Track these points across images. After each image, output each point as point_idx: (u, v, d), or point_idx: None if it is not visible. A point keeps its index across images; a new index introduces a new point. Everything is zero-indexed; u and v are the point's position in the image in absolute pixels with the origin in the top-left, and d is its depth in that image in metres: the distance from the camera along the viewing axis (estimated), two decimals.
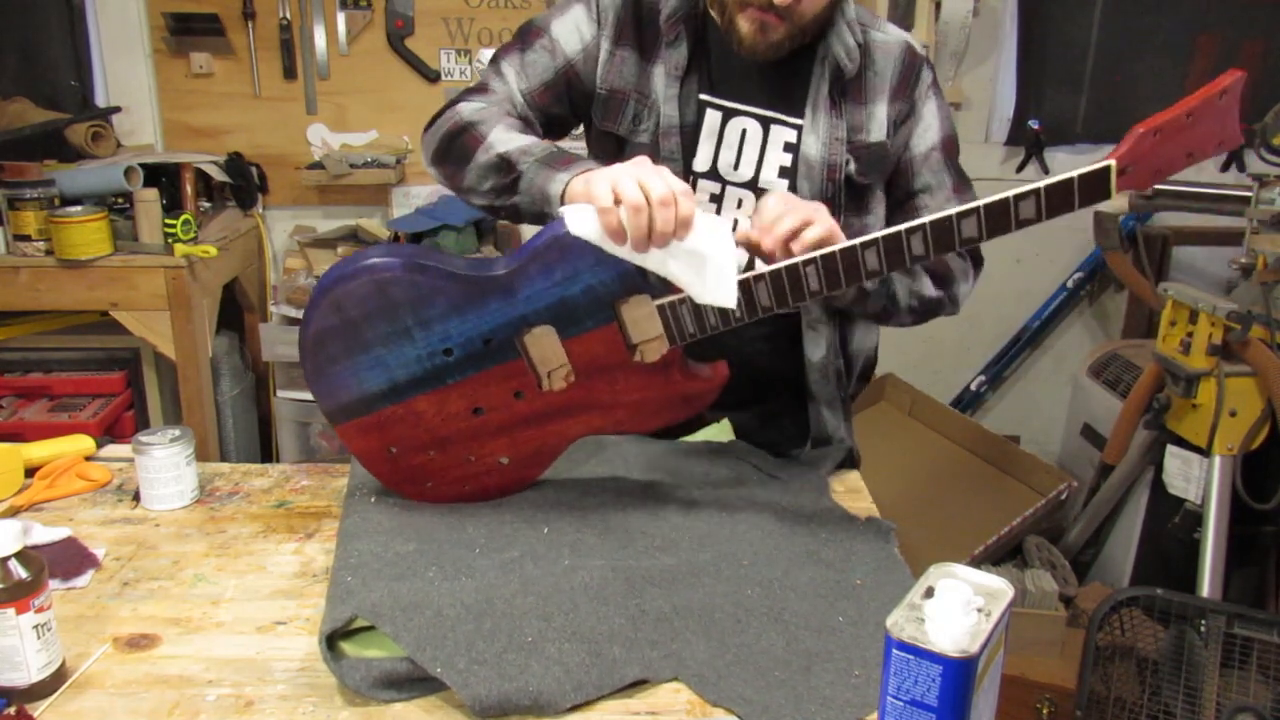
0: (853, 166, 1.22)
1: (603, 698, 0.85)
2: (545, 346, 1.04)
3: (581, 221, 0.98)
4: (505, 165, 1.13)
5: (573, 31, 1.23)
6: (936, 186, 1.26)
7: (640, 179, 0.96)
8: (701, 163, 1.23)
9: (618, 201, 0.96)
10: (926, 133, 1.26)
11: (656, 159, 1.18)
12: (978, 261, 1.30)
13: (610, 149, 1.26)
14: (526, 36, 1.26)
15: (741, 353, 1.22)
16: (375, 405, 1.07)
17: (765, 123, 1.22)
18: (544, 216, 1.10)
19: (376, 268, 1.01)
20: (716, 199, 1.25)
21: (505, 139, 1.14)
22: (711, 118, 1.22)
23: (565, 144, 1.16)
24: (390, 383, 1.06)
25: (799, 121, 1.22)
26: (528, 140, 1.14)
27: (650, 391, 1.07)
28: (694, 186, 1.23)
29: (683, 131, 1.22)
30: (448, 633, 0.87)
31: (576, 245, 0.99)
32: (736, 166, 1.23)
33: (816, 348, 1.30)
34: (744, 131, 1.22)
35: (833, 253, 0.99)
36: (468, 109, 1.20)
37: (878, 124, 1.23)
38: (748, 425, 1.33)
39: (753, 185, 1.23)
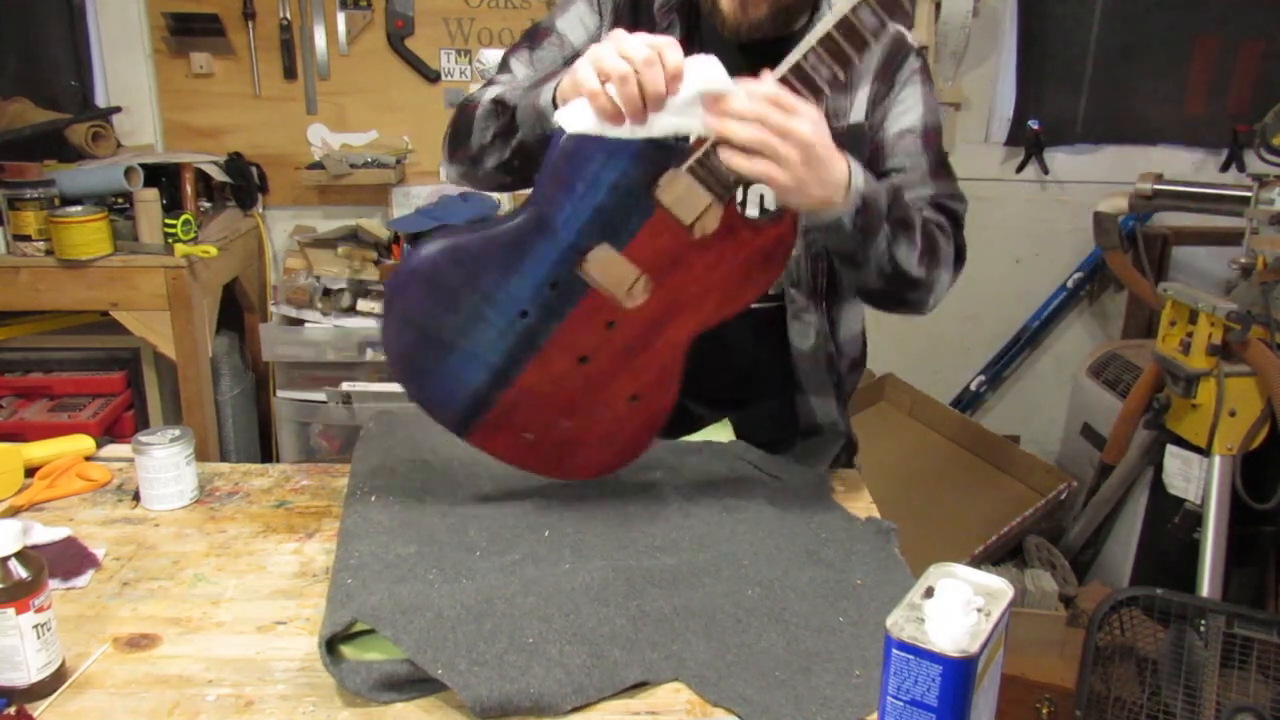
0: None
1: (603, 698, 0.86)
2: (609, 265, 0.99)
3: (575, 117, 0.94)
4: (499, 106, 1.12)
5: (577, 24, 1.24)
6: (911, 169, 1.21)
7: (619, 48, 0.92)
8: None
9: (606, 82, 0.92)
10: (904, 115, 1.21)
11: None
12: (961, 257, 1.22)
13: None
14: (534, 36, 1.27)
15: (728, 348, 1.20)
16: (487, 399, 1.05)
17: None
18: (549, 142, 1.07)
19: (419, 266, 1.00)
20: None
21: (496, 90, 1.15)
22: None
23: None
24: (489, 370, 1.03)
25: None
26: (518, 83, 1.15)
27: (730, 263, 1.01)
28: None
29: None
30: (448, 634, 0.87)
31: (580, 148, 0.94)
32: None
33: (804, 338, 1.28)
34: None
35: (827, 32, 0.93)
36: (470, 98, 1.21)
37: (857, 107, 1.21)
38: (740, 422, 1.32)
39: None
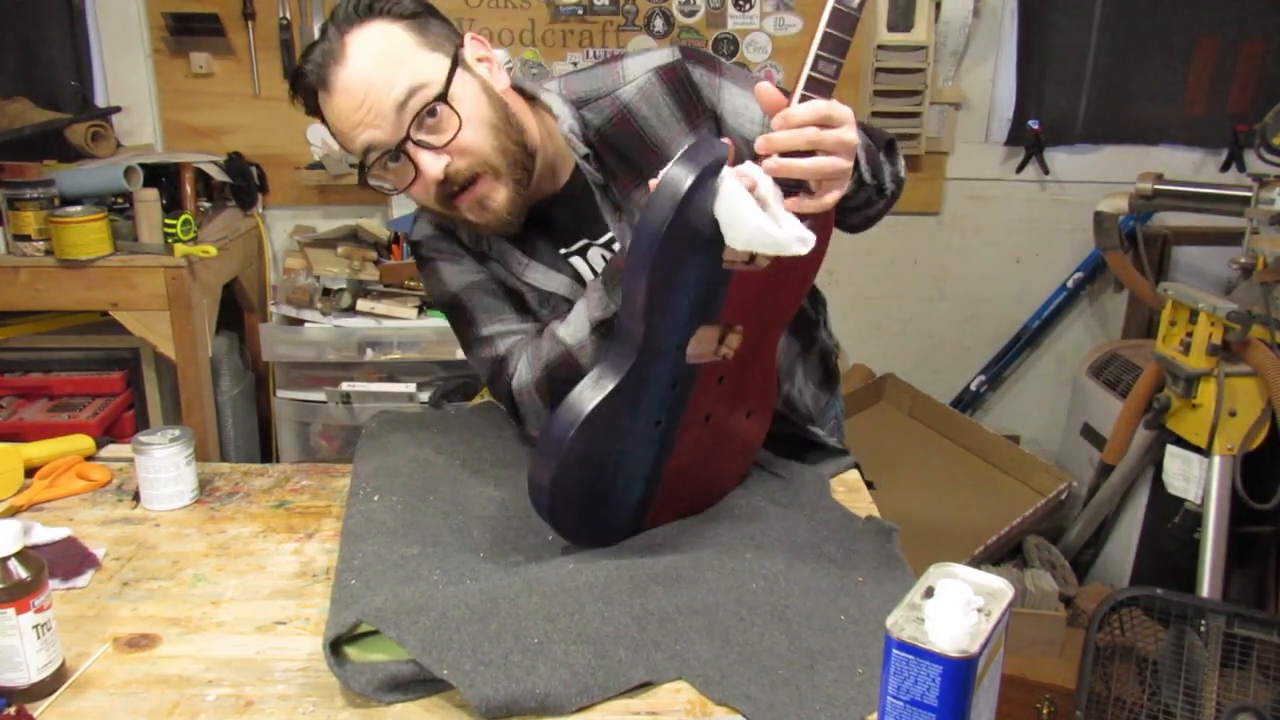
0: None
1: (607, 698, 0.85)
2: (705, 337, 1.02)
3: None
4: (602, 327, 1.09)
5: (460, 274, 1.22)
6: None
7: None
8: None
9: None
10: (746, 115, 1.15)
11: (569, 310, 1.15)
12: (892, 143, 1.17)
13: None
14: (459, 310, 1.23)
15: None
16: (648, 502, 1.09)
17: (608, 244, 1.19)
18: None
19: (566, 457, 0.99)
20: None
21: (572, 329, 1.12)
22: (579, 263, 1.20)
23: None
24: (644, 481, 1.07)
25: (611, 235, 1.19)
26: (579, 312, 1.11)
27: (792, 264, 1.00)
28: None
29: (577, 283, 1.20)
30: (453, 635, 0.87)
31: (667, 273, 0.94)
32: None
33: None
34: (603, 255, 1.20)
35: (823, 31, 0.93)
36: (528, 376, 1.16)
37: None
38: None
39: None
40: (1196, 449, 2.11)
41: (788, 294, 1.08)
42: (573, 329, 1.11)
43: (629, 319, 0.98)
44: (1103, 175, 2.94)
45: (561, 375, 1.11)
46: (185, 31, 2.73)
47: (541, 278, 1.20)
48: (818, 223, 1.00)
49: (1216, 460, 2.05)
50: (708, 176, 0.90)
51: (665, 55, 1.15)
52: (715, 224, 0.92)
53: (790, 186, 0.94)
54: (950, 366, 3.16)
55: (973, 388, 3.14)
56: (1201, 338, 2.05)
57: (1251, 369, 2.01)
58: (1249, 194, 2.16)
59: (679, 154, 0.91)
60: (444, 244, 1.23)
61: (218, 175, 2.69)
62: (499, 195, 1.09)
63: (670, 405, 1.04)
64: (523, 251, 1.20)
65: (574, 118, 1.15)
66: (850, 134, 0.92)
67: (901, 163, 1.14)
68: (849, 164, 0.94)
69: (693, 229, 0.91)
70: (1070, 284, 3.05)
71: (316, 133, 2.84)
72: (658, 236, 0.90)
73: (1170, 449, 2.17)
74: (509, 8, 2.76)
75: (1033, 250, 3.07)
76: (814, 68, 0.94)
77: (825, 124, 0.91)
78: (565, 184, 1.18)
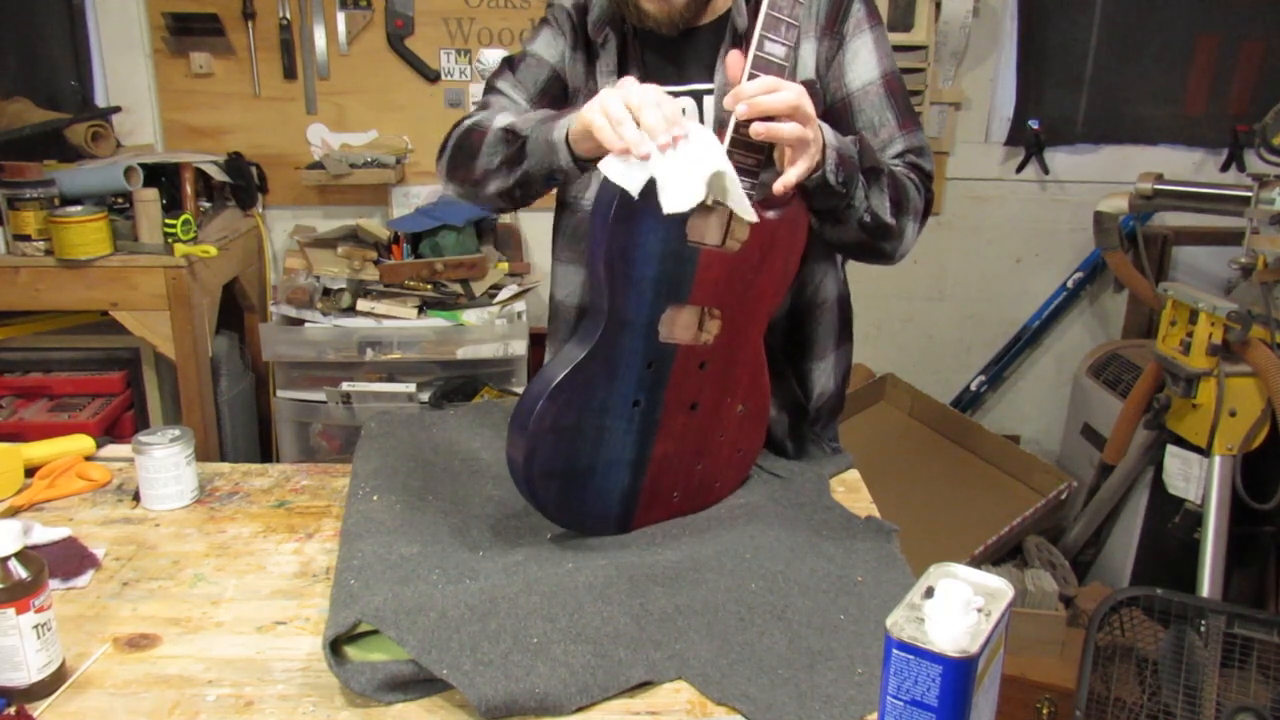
0: None
1: (606, 698, 0.85)
2: (680, 318, 1.05)
3: (611, 167, 0.97)
4: (509, 134, 1.15)
5: (549, 44, 1.31)
6: (880, 124, 1.22)
7: (623, 96, 0.97)
8: None
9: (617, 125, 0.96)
10: (862, 68, 1.22)
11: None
12: (928, 210, 1.25)
13: None
14: (512, 61, 1.33)
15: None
16: (635, 490, 1.10)
17: (698, 96, 1.24)
18: (554, 177, 1.12)
19: (536, 427, 1.02)
20: None
21: (506, 118, 1.19)
22: None
23: None
24: (628, 466, 1.09)
25: (710, 86, 1.23)
26: (528, 113, 1.19)
27: (767, 252, 1.08)
28: None
29: None
30: (452, 634, 0.87)
31: (625, 240, 0.99)
32: None
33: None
34: (684, 111, 1.22)
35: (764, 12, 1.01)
36: (470, 119, 1.25)
37: (804, 62, 1.22)
38: None
39: None
40: (1196, 449, 2.11)
41: (765, 283, 1.09)
42: (507, 118, 1.18)
43: (594, 291, 1.03)
44: (1103, 175, 2.94)
45: (468, 142, 1.21)
46: (185, 31, 2.73)
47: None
48: (788, 214, 1.06)
49: (1216, 460, 2.05)
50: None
51: None
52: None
53: (754, 169, 1.02)
54: (950, 366, 3.17)
55: (973, 388, 3.14)
56: (1201, 338, 2.05)
57: (1251, 369, 2.01)
58: (1249, 194, 2.16)
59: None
60: (564, 15, 1.29)
61: (218, 175, 2.69)
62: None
63: (648, 386, 1.06)
64: (617, 67, 1.25)
65: None
66: (800, 100, 0.98)
67: (888, 205, 1.14)
68: (809, 133, 0.99)
69: (645, 195, 0.95)
70: (1070, 284, 3.05)
71: (316, 133, 2.84)
72: (613, 203, 0.96)
73: (1170, 449, 2.17)
74: (509, 8, 2.76)
75: (1033, 250, 3.07)
76: (759, 48, 1.01)
77: (772, 89, 0.98)
78: (705, 24, 1.23)
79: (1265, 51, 2.88)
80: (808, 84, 1.20)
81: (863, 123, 1.22)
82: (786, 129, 0.98)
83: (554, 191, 1.33)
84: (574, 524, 1.09)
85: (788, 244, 1.09)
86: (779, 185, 1.01)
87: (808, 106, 0.99)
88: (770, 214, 1.06)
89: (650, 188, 0.94)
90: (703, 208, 0.99)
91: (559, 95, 1.30)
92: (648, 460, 1.09)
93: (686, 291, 1.04)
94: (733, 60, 1.04)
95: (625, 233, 0.98)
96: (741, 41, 1.20)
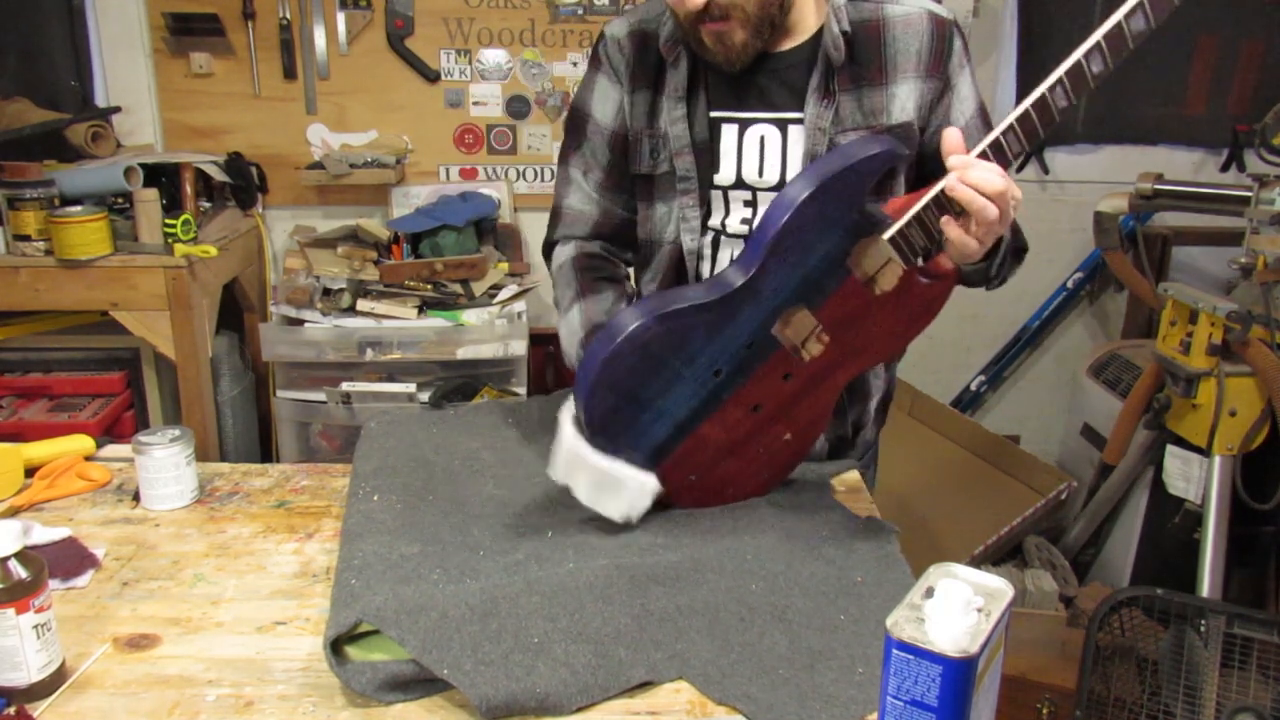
0: None
1: (607, 698, 0.85)
2: (799, 324, 1.07)
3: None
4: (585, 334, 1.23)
5: (605, 97, 1.30)
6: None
7: None
8: (725, 176, 1.25)
9: None
10: (965, 105, 1.24)
11: (675, 181, 1.25)
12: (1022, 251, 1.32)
13: (644, 190, 1.31)
14: (577, 129, 1.33)
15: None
16: (666, 451, 1.11)
17: (781, 125, 1.23)
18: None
19: (635, 333, 1.03)
20: (750, 204, 1.26)
21: (572, 319, 1.26)
22: (728, 132, 1.24)
23: None
24: (674, 426, 1.10)
25: (799, 115, 1.23)
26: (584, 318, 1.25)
27: (897, 315, 1.10)
28: (724, 199, 1.27)
29: (696, 148, 1.24)
30: (453, 634, 0.87)
31: (801, 223, 1.01)
32: (761, 173, 1.24)
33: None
34: (762, 138, 1.23)
35: (1025, 110, 1.01)
36: (555, 236, 1.37)
37: (900, 104, 1.21)
38: None
39: (780, 188, 1.24)
40: (1196, 449, 2.11)
41: (881, 336, 1.11)
42: (577, 325, 1.24)
43: (753, 247, 1.04)
44: (1103, 175, 2.94)
45: (553, 275, 1.35)
46: (185, 31, 2.73)
47: (666, 115, 1.25)
48: (926, 295, 1.08)
49: (1216, 460, 2.05)
50: (883, 161, 1.02)
51: (942, 9, 1.24)
52: (861, 214, 1.02)
53: (917, 247, 1.04)
54: (950, 366, 3.16)
55: (973, 388, 3.14)
56: (1201, 338, 2.05)
57: (1251, 369, 2.01)
58: (1249, 194, 2.16)
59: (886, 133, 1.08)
60: (615, 50, 1.29)
61: (218, 175, 2.69)
62: (738, 36, 1.16)
63: (737, 363, 1.08)
64: (688, 92, 1.24)
65: None
66: (1013, 210, 1.01)
67: (1016, 268, 1.24)
68: (1002, 229, 1.02)
69: (847, 196, 0.99)
70: (1070, 284, 3.05)
71: (316, 133, 2.84)
72: (821, 177, 0.99)
73: (1170, 449, 2.17)
74: (509, 8, 2.76)
75: (1033, 250, 3.05)
76: (1004, 134, 1.01)
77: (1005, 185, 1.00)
78: (787, 50, 1.22)
79: (1265, 51, 2.88)
80: (905, 127, 1.21)
81: None
82: (991, 212, 0.99)
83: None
84: (602, 445, 1.08)
85: (920, 312, 1.11)
86: (946, 260, 1.04)
87: (1013, 212, 1.02)
88: (923, 280, 1.08)
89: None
90: (883, 244, 1.03)
91: (622, 159, 1.31)
92: (690, 431, 1.10)
93: (820, 301, 1.06)
94: (951, 132, 1.03)
95: (810, 216, 1.00)
96: (834, 75, 1.20)
